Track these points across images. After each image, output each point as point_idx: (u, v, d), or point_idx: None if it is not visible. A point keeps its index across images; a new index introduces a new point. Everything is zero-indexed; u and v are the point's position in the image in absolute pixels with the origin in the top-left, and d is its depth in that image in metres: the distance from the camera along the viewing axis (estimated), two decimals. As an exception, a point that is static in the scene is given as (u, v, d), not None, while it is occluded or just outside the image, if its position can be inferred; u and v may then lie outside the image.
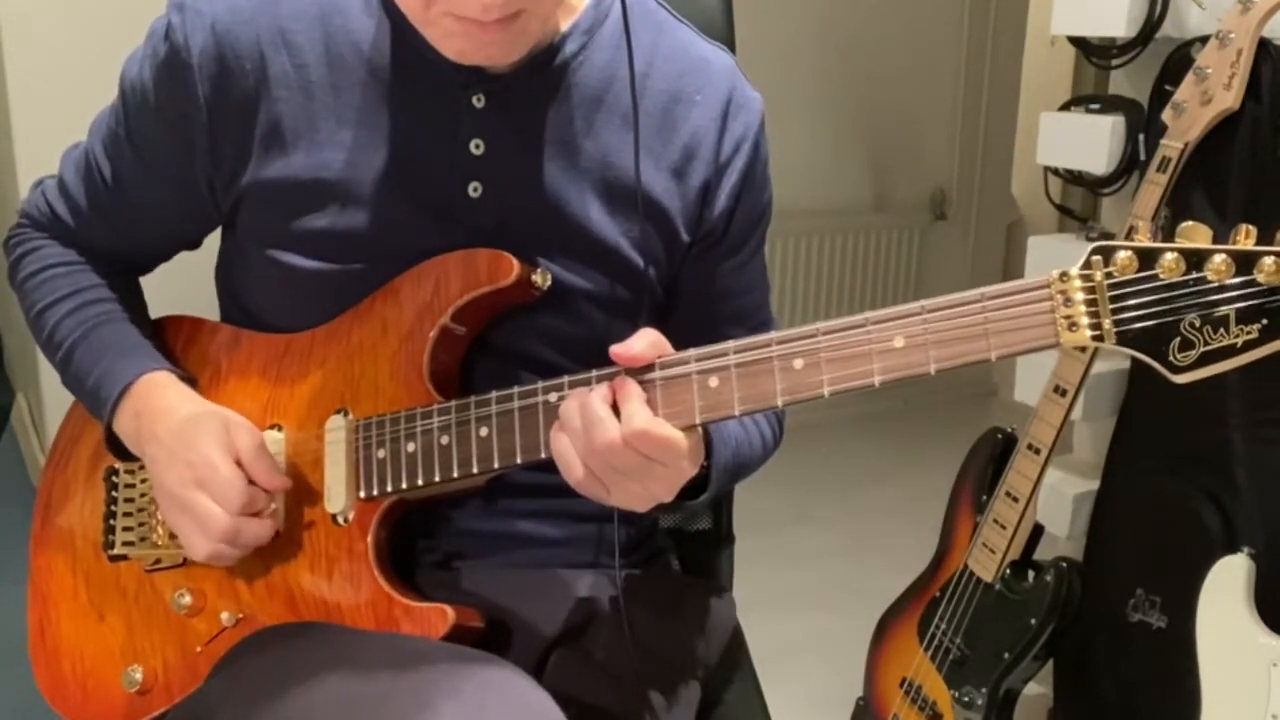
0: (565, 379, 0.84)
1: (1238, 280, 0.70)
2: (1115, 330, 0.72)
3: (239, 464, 0.90)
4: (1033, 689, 1.73)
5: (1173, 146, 1.45)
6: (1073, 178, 1.77)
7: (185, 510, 0.89)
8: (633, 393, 0.80)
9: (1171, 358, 0.72)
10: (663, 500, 0.82)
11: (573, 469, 0.81)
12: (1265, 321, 0.70)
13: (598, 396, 0.80)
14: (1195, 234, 0.72)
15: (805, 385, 0.78)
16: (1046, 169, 1.81)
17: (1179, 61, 1.54)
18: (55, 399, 0.99)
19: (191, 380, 0.99)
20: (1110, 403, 1.69)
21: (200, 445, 0.90)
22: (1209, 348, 0.71)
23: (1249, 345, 0.70)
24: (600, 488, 0.81)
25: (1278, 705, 1.36)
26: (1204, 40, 1.44)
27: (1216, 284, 0.71)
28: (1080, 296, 0.73)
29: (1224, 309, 0.71)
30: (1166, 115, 1.47)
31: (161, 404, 0.94)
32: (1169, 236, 0.73)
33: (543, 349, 0.95)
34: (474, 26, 0.81)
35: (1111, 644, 1.64)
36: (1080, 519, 1.73)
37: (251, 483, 0.90)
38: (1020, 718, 1.64)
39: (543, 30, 0.87)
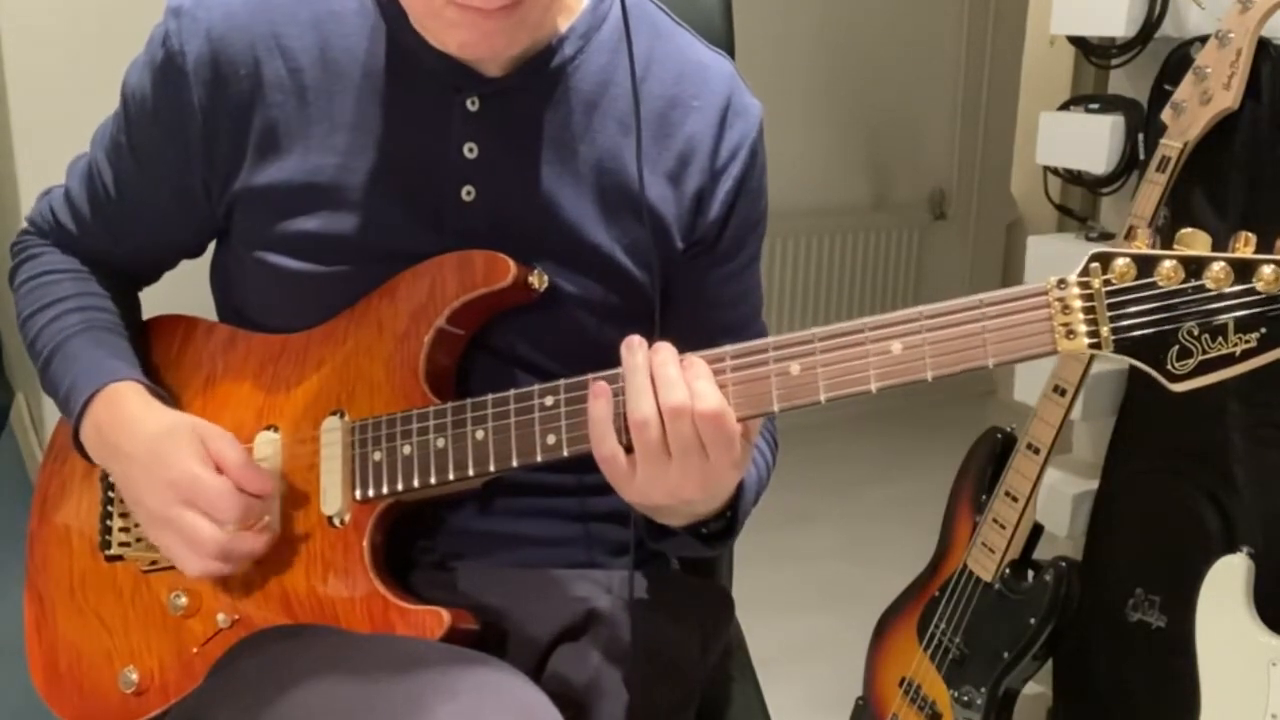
0: (561, 382, 0.83)
1: (1237, 289, 0.70)
2: (1113, 338, 0.72)
3: (221, 473, 0.88)
4: (1032, 688, 1.73)
5: (1172, 146, 1.45)
6: (1072, 177, 1.77)
7: (173, 529, 0.88)
8: (704, 371, 0.78)
9: (1170, 366, 0.72)
10: (690, 499, 0.80)
11: (605, 440, 0.78)
12: (1264, 330, 0.69)
13: (670, 357, 0.78)
14: (1194, 241, 0.72)
15: (802, 391, 0.77)
16: (1046, 169, 1.81)
17: (1178, 61, 1.53)
18: (54, 399, 0.99)
19: (162, 394, 0.97)
20: (1110, 402, 1.69)
21: (178, 461, 0.88)
22: (1207, 356, 0.71)
23: (1247, 354, 0.70)
24: (626, 467, 0.78)
25: (1277, 705, 1.36)
26: (1203, 40, 1.44)
27: (1215, 292, 0.70)
28: (1078, 304, 0.73)
29: (1223, 317, 0.70)
30: (1166, 115, 1.47)
31: (124, 416, 0.92)
32: (1168, 237, 0.73)
33: (536, 353, 0.95)
34: (476, 15, 0.81)
35: (1111, 643, 1.64)
36: (1080, 519, 1.73)
37: (241, 491, 0.88)
38: (1020, 717, 1.64)
39: (543, 21, 0.87)
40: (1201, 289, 0.71)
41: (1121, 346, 0.72)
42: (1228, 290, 0.70)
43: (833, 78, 3.43)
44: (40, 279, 1.02)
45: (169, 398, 0.98)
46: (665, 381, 0.77)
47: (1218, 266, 0.70)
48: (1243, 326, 0.70)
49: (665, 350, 0.78)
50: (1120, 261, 0.72)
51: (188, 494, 0.87)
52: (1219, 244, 0.72)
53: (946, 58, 3.61)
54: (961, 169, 3.72)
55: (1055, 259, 1.73)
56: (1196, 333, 0.71)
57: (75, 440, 0.96)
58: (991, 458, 1.67)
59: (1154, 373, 0.72)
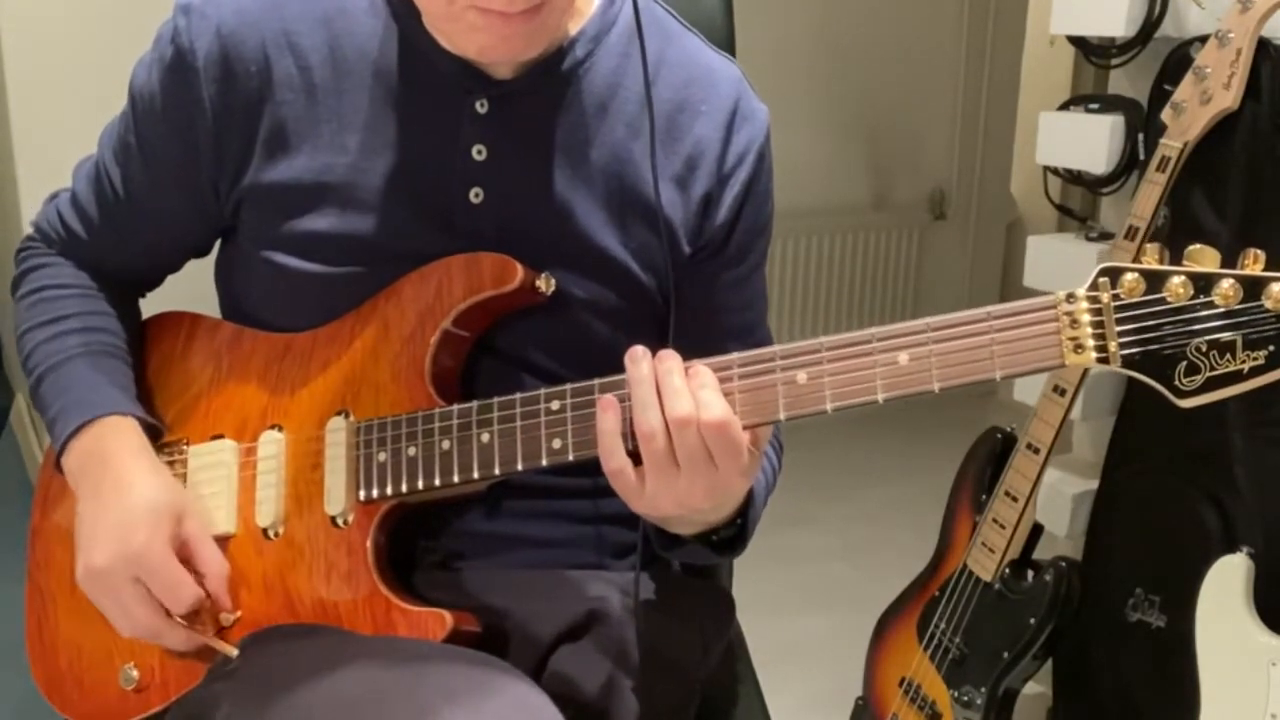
0: (568, 386, 0.84)
1: (1245, 306, 0.70)
2: (1121, 353, 0.72)
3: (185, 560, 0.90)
4: (1032, 688, 1.73)
5: (1172, 146, 1.45)
6: (1072, 177, 1.77)
7: (113, 595, 0.89)
8: (709, 379, 0.78)
9: (1177, 382, 0.72)
10: (699, 508, 0.80)
11: (615, 454, 0.78)
12: (1272, 348, 0.70)
13: (675, 367, 0.78)
14: (1203, 257, 0.72)
15: (808, 400, 0.78)
16: (1046, 168, 1.81)
17: (1178, 61, 1.53)
18: (54, 399, 0.98)
19: (157, 428, 0.97)
20: (1110, 402, 1.69)
21: (147, 540, 0.88)
22: (1215, 373, 0.71)
23: (1255, 371, 0.70)
24: (635, 481, 0.78)
25: (1277, 705, 1.36)
26: (1203, 40, 1.44)
27: (1224, 309, 0.71)
28: (1087, 318, 0.73)
29: (1231, 334, 0.71)
30: (1166, 115, 1.47)
31: (115, 461, 0.92)
32: (1168, 237, 0.73)
33: (542, 356, 0.95)
34: (498, 20, 0.81)
35: (1111, 643, 1.64)
36: (1079, 518, 1.73)
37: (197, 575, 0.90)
38: (1020, 717, 1.65)
39: (560, 24, 0.87)
40: (1210, 305, 0.71)
41: (1129, 362, 0.72)
42: (1236, 307, 0.70)
43: (833, 78, 3.43)
44: (43, 293, 1.01)
45: (162, 428, 0.98)
46: (670, 392, 0.77)
47: (1226, 284, 0.71)
48: (1251, 344, 0.70)
49: (670, 359, 0.78)
50: (1129, 276, 0.72)
51: (143, 571, 0.88)
52: (1224, 252, 0.72)
53: (946, 58, 3.61)
54: (961, 169, 3.72)
55: (1055, 259, 1.73)
56: (1204, 349, 0.71)
57: (57, 462, 0.95)
58: (991, 458, 1.67)
59: (1161, 388, 0.72)
